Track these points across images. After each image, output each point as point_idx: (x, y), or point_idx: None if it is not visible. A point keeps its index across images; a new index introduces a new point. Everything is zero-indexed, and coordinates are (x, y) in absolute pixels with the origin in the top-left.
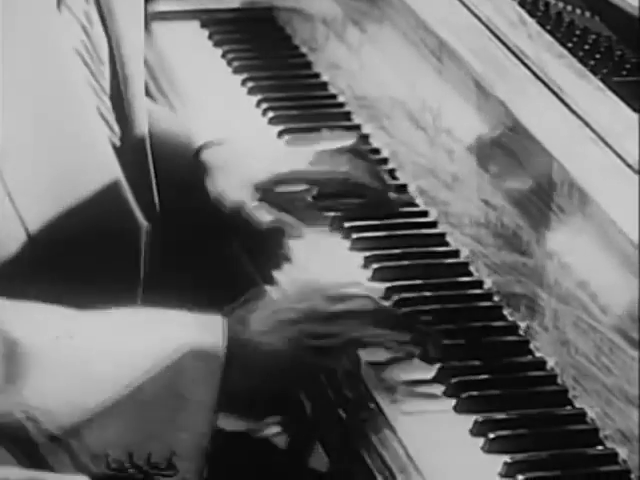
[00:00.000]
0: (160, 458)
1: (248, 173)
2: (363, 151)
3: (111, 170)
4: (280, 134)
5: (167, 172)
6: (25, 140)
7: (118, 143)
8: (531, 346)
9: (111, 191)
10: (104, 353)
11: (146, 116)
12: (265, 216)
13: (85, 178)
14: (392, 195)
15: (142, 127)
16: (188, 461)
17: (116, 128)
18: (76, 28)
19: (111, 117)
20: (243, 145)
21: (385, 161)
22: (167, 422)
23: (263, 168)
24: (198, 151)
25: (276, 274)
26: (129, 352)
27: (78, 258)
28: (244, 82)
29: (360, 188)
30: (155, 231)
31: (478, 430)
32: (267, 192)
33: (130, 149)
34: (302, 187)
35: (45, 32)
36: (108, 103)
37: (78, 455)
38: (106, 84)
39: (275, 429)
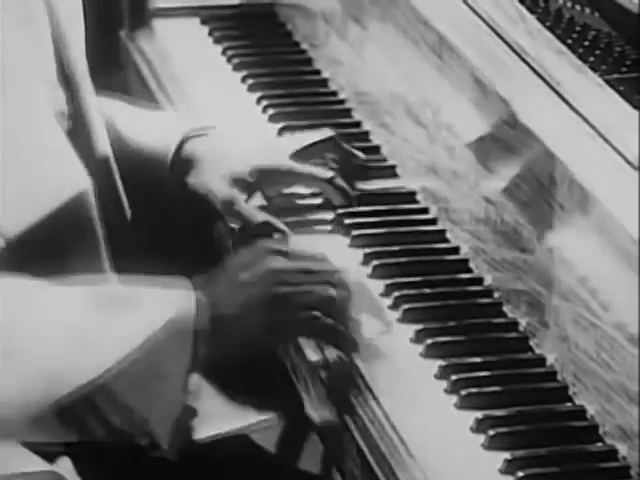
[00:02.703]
0: (135, 428)
1: (232, 166)
2: (340, 141)
3: (78, 180)
4: (280, 131)
5: (147, 181)
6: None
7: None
8: (531, 343)
9: (78, 201)
10: (76, 327)
11: (106, 135)
12: (256, 215)
13: (55, 188)
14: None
15: (104, 147)
16: (161, 430)
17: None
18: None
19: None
20: (227, 138)
21: (385, 158)
22: (140, 392)
23: (247, 160)
24: (179, 147)
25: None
26: (102, 326)
27: (52, 263)
28: (244, 79)
29: (337, 194)
30: (126, 238)
31: (478, 427)
32: (251, 195)
33: (95, 170)
34: (283, 185)
35: (10, 51)
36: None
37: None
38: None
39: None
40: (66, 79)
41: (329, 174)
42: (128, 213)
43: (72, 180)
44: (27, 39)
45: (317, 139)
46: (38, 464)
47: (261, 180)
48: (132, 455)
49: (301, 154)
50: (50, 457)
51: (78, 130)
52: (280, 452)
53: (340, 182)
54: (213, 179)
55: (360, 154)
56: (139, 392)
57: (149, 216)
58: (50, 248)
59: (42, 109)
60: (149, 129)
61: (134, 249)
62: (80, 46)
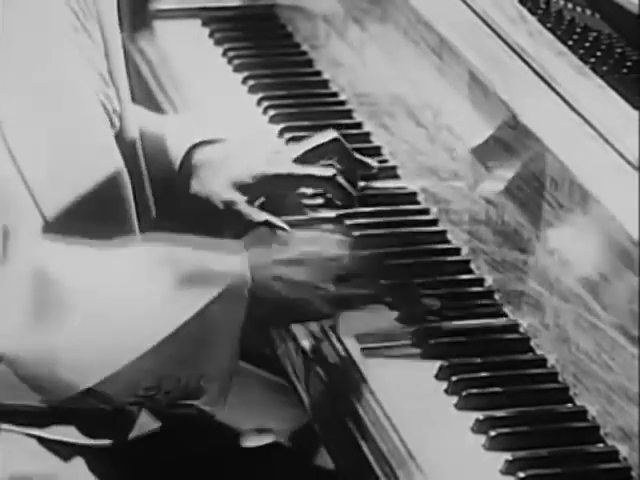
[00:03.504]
0: (190, 382)
1: (236, 173)
2: (344, 142)
3: (115, 161)
4: (281, 132)
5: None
6: (40, 136)
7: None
8: (532, 344)
9: (116, 180)
10: (137, 289)
11: (135, 121)
12: (257, 215)
13: (94, 167)
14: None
15: (133, 132)
16: (215, 383)
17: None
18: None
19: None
20: (233, 145)
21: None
22: (197, 351)
23: (251, 168)
24: (188, 153)
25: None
26: (160, 289)
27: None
28: (245, 80)
29: (340, 191)
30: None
31: (479, 428)
32: (253, 200)
33: (124, 153)
34: (287, 189)
35: (49, 29)
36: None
37: (111, 397)
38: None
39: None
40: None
41: (330, 172)
42: (151, 200)
43: (108, 159)
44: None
45: (321, 141)
46: (53, 462)
47: (264, 186)
48: (145, 455)
49: (305, 157)
50: (65, 456)
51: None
52: (295, 447)
53: (342, 181)
54: (215, 184)
55: (373, 162)
56: (193, 353)
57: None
58: (87, 225)
59: (88, 90)
60: (162, 136)
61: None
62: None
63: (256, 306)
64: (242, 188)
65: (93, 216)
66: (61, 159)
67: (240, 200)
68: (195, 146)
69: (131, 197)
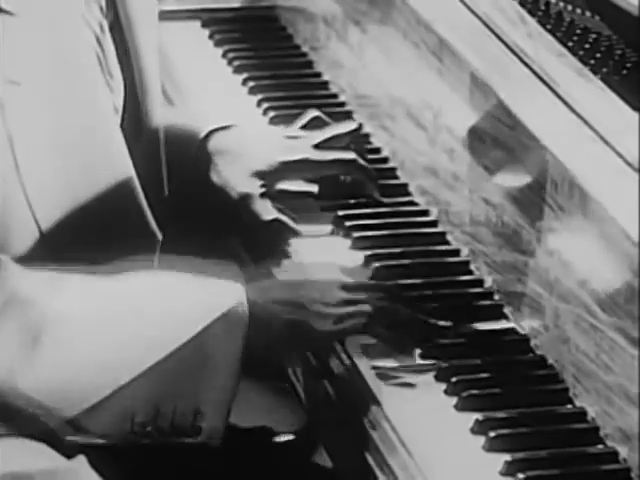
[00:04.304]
0: (185, 418)
1: (254, 160)
2: (361, 137)
3: (124, 168)
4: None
5: (173, 164)
6: (40, 138)
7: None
8: (532, 344)
9: (123, 188)
10: (129, 316)
11: (160, 109)
12: (268, 212)
13: (98, 175)
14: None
15: (156, 119)
16: (212, 420)
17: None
18: (90, 35)
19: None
20: (249, 132)
21: (385, 160)
22: (194, 382)
23: (269, 155)
24: (204, 139)
25: (274, 270)
26: (155, 315)
27: (89, 255)
28: (245, 82)
29: (364, 173)
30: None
31: (479, 429)
32: (271, 187)
33: (145, 140)
34: (308, 174)
35: (64, 35)
36: (120, 101)
37: (94, 431)
38: (117, 84)
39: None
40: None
41: (352, 155)
42: (166, 187)
43: (113, 169)
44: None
45: (341, 131)
46: (56, 460)
47: (284, 172)
48: (147, 454)
49: (324, 146)
50: (67, 454)
51: (132, 99)
52: (295, 445)
53: (363, 162)
54: (233, 172)
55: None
56: (192, 379)
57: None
58: (92, 236)
59: (98, 95)
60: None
61: (169, 227)
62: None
63: (256, 331)
64: (261, 175)
65: (96, 230)
66: (64, 163)
67: (255, 194)
68: (210, 132)
69: (144, 205)
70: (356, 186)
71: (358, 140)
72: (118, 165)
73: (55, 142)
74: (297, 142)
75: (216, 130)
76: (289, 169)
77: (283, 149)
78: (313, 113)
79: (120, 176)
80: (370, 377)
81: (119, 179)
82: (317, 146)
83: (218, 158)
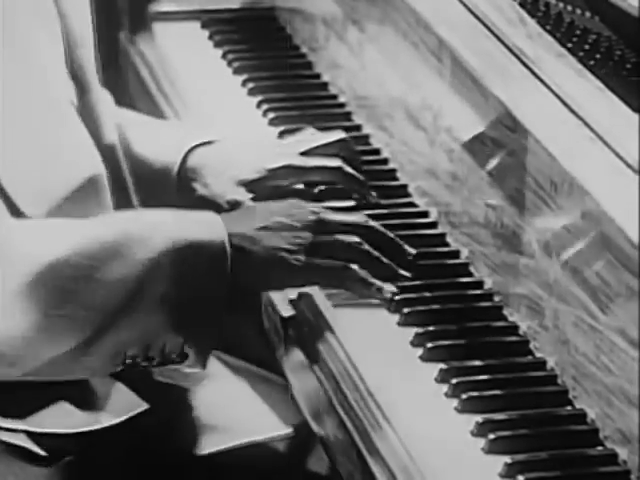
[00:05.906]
0: (174, 349)
1: (238, 170)
2: (352, 144)
3: (96, 165)
4: (281, 135)
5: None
6: (18, 139)
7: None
8: (531, 346)
9: (93, 184)
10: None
11: (113, 124)
12: None
13: (72, 171)
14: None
15: (111, 135)
16: (199, 350)
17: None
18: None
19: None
20: (232, 144)
21: (385, 161)
22: (181, 317)
23: (253, 164)
24: (184, 158)
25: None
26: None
27: None
28: (244, 83)
29: (350, 180)
30: None
31: (478, 430)
32: (259, 194)
33: (102, 157)
34: (293, 180)
35: (30, 47)
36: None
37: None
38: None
39: None
40: (75, 76)
41: (337, 163)
42: (135, 204)
43: (87, 163)
44: (46, 36)
45: (328, 140)
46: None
47: (271, 180)
48: (134, 456)
49: (311, 154)
50: (54, 458)
51: (85, 119)
52: (288, 452)
53: (350, 170)
54: (219, 184)
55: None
56: (179, 317)
57: None
58: None
59: (60, 95)
60: (158, 140)
61: None
62: (90, 45)
63: (238, 267)
64: (248, 185)
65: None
66: (36, 159)
67: (245, 198)
68: (190, 150)
69: (109, 202)
70: (345, 193)
71: (348, 148)
72: (87, 160)
73: (29, 143)
74: (283, 149)
75: (197, 146)
76: (273, 176)
77: (269, 157)
78: (340, 135)
79: (90, 171)
80: (366, 376)
81: (89, 174)
82: (305, 154)
83: (203, 172)
